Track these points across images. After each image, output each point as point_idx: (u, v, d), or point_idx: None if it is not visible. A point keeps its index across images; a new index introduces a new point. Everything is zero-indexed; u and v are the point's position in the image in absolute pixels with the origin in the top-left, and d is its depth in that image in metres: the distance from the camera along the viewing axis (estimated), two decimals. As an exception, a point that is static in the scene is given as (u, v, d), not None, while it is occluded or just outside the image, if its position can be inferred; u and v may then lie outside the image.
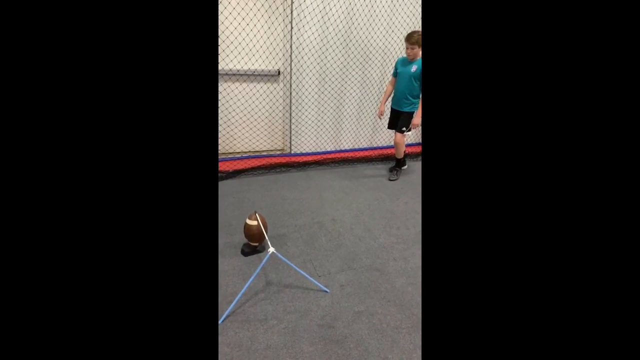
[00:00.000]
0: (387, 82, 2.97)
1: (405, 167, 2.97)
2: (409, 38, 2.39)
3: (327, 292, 1.54)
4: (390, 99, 2.75)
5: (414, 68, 2.47)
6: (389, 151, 3.24)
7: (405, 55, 2.54)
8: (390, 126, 2.80)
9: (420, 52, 2.43)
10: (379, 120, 3.35)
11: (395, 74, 2.66)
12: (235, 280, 1.58)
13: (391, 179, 2.80)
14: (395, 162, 2.90)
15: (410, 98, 2.57)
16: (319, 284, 1.55)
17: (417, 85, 2.52)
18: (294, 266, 1.56)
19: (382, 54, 3.08)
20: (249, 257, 1.74)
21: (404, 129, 2.61)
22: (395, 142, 2.74)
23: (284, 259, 1.53)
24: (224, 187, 2.51)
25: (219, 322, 1.34)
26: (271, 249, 1.44)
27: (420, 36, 2.38)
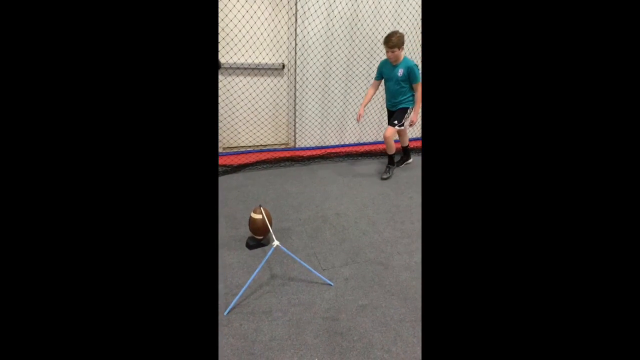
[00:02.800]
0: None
1: (411, 160, 2.94)
2: (387, 42, 2.28)
3: (331, 285, 1.54)
4: (381, 98, 2.72)
5: (400, 72, 2.40)
6: (394, 146, 3.22)
7: (387, 58, 2.43)
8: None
9: (403, 54, 2.35)
10: (383, 114, 3.33)
11: (379, 77, 2.56)
12: (240, 273, 1.59)
13: (383, 177, 2.65)
14: (387, 159, 2.73)
15: (403, 99, 2.52)
16: (323, 277, 1.56)
17: (407, 86, 2.46)
18: (298, 259, 1.57)
19: (388, 47, 3.05)
20: (253, 250, 1.76)
21: (396, 122, 2.54)
22: (384, 137, 2.60)
23: (288, 252, 1.53)
24: (228, 181, 2.52)
25: (225, 313, 1.36)
26: (276, 242, 1.45)
27: (400, 37, 2.27)
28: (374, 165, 2.97)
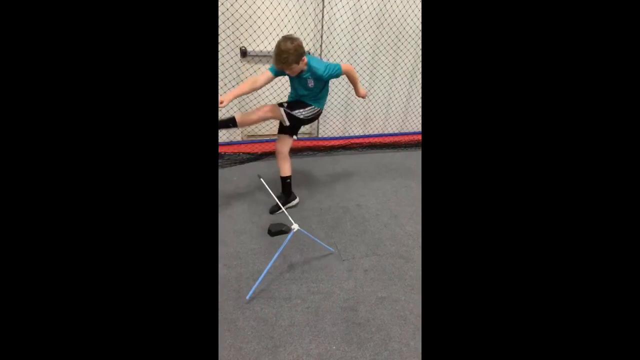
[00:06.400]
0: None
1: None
2: (278, 61, 1.63)
3: (331, 251, 1.54)
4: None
5: (310, 83, 1.80)
6: (419, 137, 3.14)
7: None
8: (283, 129, 1.98)
9: (302, 64, 1.69)
10: (408, 104, 3.23)
11: (275, 73, 1.78)
12: (262, 258, 1.63)
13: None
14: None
15: (312, 100, 1.91)
16: (324, 244, 1.54)
17: (322, 88, 1.88)
18: (306, 232, 1.58)
19: (417, 36, 2.94)
20: (275, 237, 1.79)
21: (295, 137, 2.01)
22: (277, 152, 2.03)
23: (306, 233, 1.55)
24: (251, 168, 2.56)
25: (247, 297, 1.40)
26: (295, 226, 1.47)
27: (294, 50, 1.59)
28: (398, 157, 2.92)
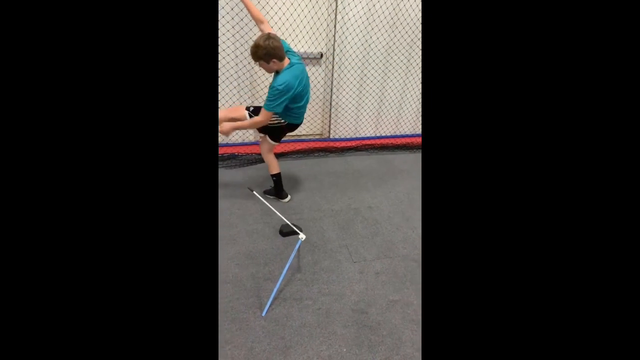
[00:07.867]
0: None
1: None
2: (253, 56, 1.64)
3: (301, 237, 1.50)
4: None
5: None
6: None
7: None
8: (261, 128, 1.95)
9: (274, 66, 1.66)
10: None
11: None
12: (274, 258, 1.64)
13: None
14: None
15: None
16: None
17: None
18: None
19: (431, 35, 2.90)
20: (287, 237, 1.79)
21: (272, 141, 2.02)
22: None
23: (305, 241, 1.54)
24: (262, 169, 2.58)
25: (263, 314, 1.41)
26: (302, 235, 1.47)
27: (261, 48, 1.57)
28: (410, 159, 2.89)
